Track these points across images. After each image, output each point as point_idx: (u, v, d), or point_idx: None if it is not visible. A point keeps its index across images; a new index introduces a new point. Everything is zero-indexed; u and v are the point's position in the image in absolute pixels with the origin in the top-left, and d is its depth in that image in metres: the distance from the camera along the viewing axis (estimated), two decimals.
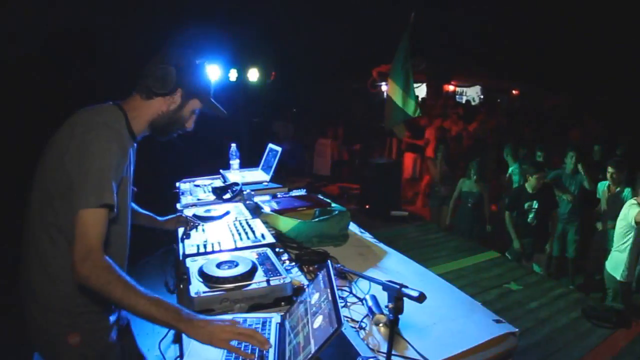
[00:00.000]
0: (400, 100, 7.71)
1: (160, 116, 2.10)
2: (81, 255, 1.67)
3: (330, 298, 1.52)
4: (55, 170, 1.83)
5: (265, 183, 3.99)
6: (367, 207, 8.48)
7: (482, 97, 21.55)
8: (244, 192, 3.49)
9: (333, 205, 3.36)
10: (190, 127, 2.24)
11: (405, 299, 1.66)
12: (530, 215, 5.95)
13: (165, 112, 2.10)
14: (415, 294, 1.60)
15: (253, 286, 1.91)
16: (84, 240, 1.69)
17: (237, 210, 3.15)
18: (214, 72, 10.10)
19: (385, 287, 1.74)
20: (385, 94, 8.36)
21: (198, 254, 2.30)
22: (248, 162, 4.55)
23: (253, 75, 11.00)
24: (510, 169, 7.49)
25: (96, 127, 1.84)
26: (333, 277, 1.62)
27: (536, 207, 5.91)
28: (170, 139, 2.26)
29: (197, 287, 1.89)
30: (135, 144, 2.13)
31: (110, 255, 1.76)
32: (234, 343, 1.60)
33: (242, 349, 1.58)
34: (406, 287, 1.66)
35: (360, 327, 1.89)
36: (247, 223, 2.80)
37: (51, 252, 1.90)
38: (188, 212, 3.08)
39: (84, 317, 1.97)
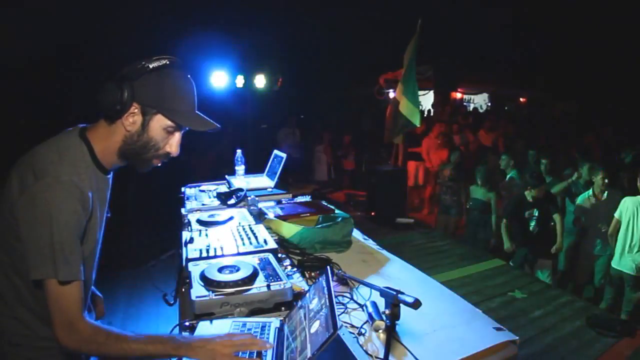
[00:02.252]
0: (407, 110, 7.76)
1: (126, 142, 1.80)
2: (63, 328, 1.59)
3: (328, 303, 1.53)
4: (6, 218, 1.69)
5: (270, 189, 4.01)
6: (372, 214, 8.49)
7: (489, 104, 21.54)
8: (249, 198, 3.51)
9: (337, 211, 3.38)
10: (174, 151, 1.89)
11: (402, 305, 1.67)
12: (532, 224, 5.97)
13: (129, 136, 1.78)
14: (410, 300, 1.61)
15: (253, 291, 1.92)
16: (62, 313, 1.60)
17: (241, 215, 3.17)
18: (220, 79, 10.13)
19: (382, 293, 1.75)
20: (391, 101, 8.40)
21: (200, 258, 2.31)
22: (253, 168, 4.57)
23: (260, 81, 11.02)
24: (510, 174, 7.50)
25: (51, 184, 1.62)
26: (331, 283, 1.64)
27: (536, 215, 5.93)
28: (154, 168, 1.94)
29: (198, 290, 1.91)
30: (109, 176, 1.93)
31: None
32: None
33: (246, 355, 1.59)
34: (402, 293, 1.67)
35: (360, 333, 1.90)
36: (251, 228, 2.81)
37: (7, 288, 1.78)
38: (192, 217, 3.11)
39: (48, 351, 1.83)
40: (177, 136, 1.87)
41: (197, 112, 1.86)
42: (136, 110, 1.75)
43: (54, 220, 1.59)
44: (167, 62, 1.77)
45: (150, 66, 1.73)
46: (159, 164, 1.93)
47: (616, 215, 5.52)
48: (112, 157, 1.85)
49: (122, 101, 1.70)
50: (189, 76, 1.85)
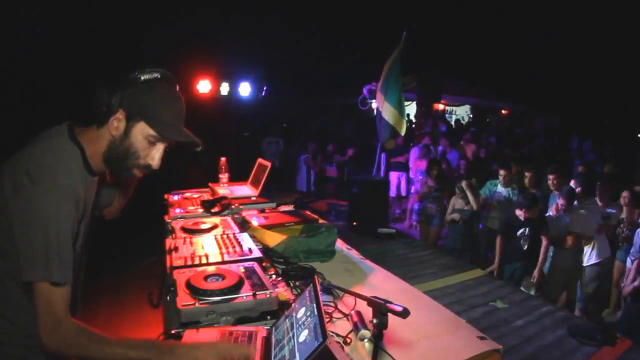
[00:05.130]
0: (392, 119, 7.85)
1: (109, 147, 1.85)
2: (47, 329, 1.59)
3: (316, 312, 1.54)
4: None
5: (254, 198, 4.00)
6: (354, 223, 8.51)
7: (471, 116, 21.70)
8: (232, 206, 3.50)
9: (321, 221, 3.39)
10: (154, 164, 1.92)
11: (389, 314, 1.68)
12: (523, 242, 6.05)
13: (113, 141, 1.83)
14: (399, 309, 1.62)
15: (240, 299, 1.92)
16: (48, 314, 1.61)
17: (225, 224, 3.16)
18: (205, 86, 10.10)
19: (370, 302, 1.75)
20: (375, 111, 8.46)
21: (185, 266, 2.30)
22: (237, 176, 4.56)
23: (244, 89, 10.99)
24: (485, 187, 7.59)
25: (49, 188, 1.66)
26: (319, 292, 1.64)
27: (527, 233, 6.01)
28: (133, 177, 1.95)
29: (184, 299, 1.90)
30: (96, 177, 1.96)
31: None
32: None
33: None
34: (390, 302, 1.68)
35: (346, 342, 1.90)
36: (235, 237, 2.80)
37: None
38: (176, 225, 3.09)
39: (35, 349, 1.76)
40: (160, 148, 1.91)
41: (181, 127, 1.90)
42: (121, 116, 1.80)
43: (50, 224, 1.62)
44: (159, 76, 1.84)
45: (142, 78, 1.81)
46: (140, 175, 1.97)
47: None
48: (99, 161, 1.89)
49: (109, 104, 1.77)
50: (177, 92, 1.93)
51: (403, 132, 7.90)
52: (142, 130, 1.83)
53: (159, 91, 1.84)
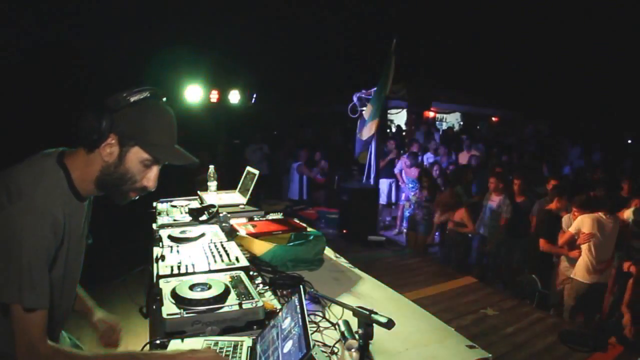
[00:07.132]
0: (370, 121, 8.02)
1: (103, 173, 1.78)
2: (23, 350, 1.57)
3: (300, 323, 1.52)
4: None
5: (242, 206, 3.98)
6: (344, 231, 8.52)
7: (461, 123, 21.74)
8: (220, 215, 3.48)
9: (309, 229, 3.37)
10: (151, 185, 1.87)
11: (375, 324, 1.67)
12: None
13: (106, 167, 1.77)
14: (384, 320, 1.60)
15: (225, 309, 1.90)
16: (24, 335, 1.58)
17: (213, 232, 3.14)
18: (194, 93, 10.06)
19: (356, 312, 1.74)
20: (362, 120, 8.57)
21: (172, 275, 2.28)
22: (226, 184, 4.54)
23: (234, 97, 10.94)
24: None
25: (24, 208, 1.60)
26: (304, 302, 1.63)
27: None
28: (128, 200, 1.91)
29: (169, 308, 1.88)
30: (84, 202, 1.89)
31: (51, 322, 1.70)
32: None
33: None
34: (376, 313, 1.67)
35: (333, 352, 1.89)
36: (222, 246, 2.78)
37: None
38: (163, 233, 3.07)
39: None
40: (155, 170, 1.86)
41: (176, 146, 1.86)
42: (113, 141, 1.74)
43: (24, 246, 1.57)
44: (148, 95, 1.78)
45: (132, 99, 1.74)
46: (136, 197, 1.91)
47: (571, 229, 5.50)
48: (89, 186, 1.82)
49: (99, 131, 1.70)
50: (167, 107, 1.86)
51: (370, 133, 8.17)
52: (137, 155, 1.78)
53: (151, 112, 1.79)
